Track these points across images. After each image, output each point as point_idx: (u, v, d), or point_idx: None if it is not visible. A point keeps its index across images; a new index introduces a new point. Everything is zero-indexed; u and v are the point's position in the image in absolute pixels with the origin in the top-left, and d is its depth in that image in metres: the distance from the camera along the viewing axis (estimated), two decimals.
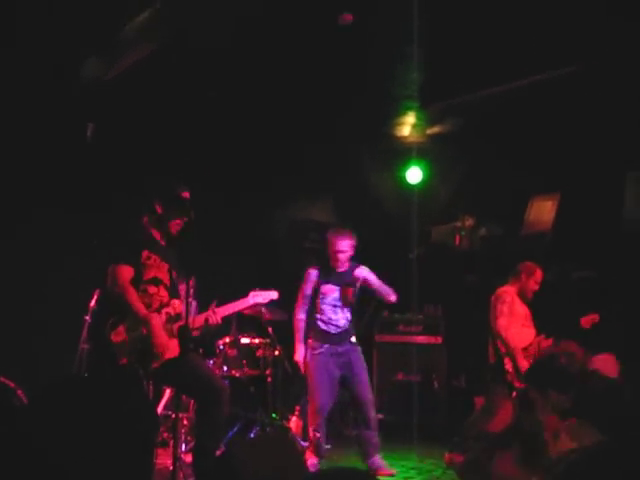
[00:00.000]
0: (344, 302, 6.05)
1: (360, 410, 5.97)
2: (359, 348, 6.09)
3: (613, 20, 6.03)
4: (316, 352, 5.97)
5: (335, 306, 6.05)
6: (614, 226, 7.24)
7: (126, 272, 4.54)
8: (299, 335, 6.05)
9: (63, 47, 6.10)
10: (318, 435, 5.88)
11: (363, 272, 6.07)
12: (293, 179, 8.00)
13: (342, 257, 6.03)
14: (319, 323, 6.06)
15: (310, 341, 6.05)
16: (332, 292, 6.05)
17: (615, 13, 5.94)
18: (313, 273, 6.11)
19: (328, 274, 6.09)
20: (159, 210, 4.74)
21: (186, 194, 4.72)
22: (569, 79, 6.82)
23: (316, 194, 8.38)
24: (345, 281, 6.06)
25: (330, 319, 6.04)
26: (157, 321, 4.54)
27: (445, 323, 8.17)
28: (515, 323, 6.30)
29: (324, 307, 6.05)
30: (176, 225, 4.75)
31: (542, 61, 6.69)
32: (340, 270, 6.09)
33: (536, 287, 6.50)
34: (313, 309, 6.09)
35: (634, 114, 6.79)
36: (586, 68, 6.66)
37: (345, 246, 6.04)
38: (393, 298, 6.13)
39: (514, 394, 6.25)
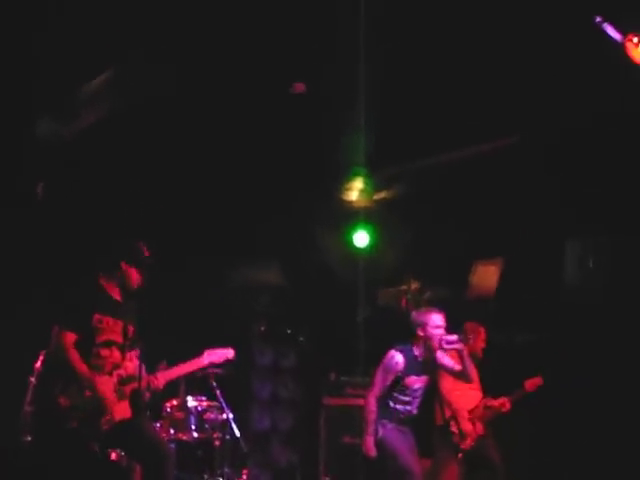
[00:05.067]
0: None
1: None
2: None
3: (552, 92, 6.35)
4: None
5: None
6: (555, 290, 7.45)
7: (69, 337, 4.60)
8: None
9: (16, 106, 6.14)
10: None
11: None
12: (241, 242, 8.04)
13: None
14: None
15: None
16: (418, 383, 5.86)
17: (554, 86, 6.27)
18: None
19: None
20: (125, 269, 4.81)
21: (147, 252, 4.85)
22: (510, 149, 7.11)
23: (264, 257, 8.42)
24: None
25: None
26: (102, 381, 4.57)
27: None
28: (463, 385, 6.40)
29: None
30: (137, 283, 4.83)
31: (484, 131, 6.97)
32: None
33: (483, 345, 6.66)
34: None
35: (573, 183, 7.08)
36: (527, 138, 6.96)
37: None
38: None
39: (460, 456, 6.33)
